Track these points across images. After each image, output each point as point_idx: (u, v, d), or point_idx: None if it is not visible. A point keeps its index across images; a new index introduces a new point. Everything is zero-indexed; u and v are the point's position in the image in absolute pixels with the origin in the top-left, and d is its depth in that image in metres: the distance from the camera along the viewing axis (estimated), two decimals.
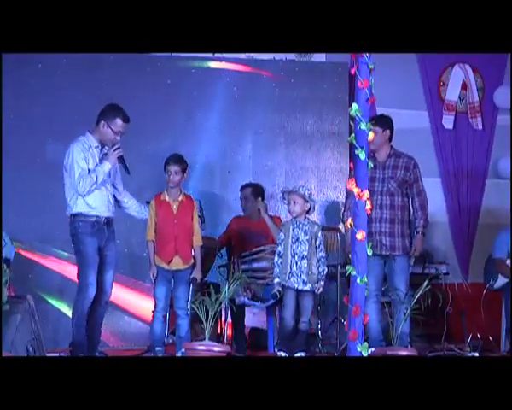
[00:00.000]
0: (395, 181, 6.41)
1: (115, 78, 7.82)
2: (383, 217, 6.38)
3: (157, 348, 6.30)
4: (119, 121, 6.07)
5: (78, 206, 6.04)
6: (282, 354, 6.17)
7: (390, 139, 6.53)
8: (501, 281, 7.36)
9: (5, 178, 6.83)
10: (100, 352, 6.27)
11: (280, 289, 6.28)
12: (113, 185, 6.28)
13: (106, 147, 6.16)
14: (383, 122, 6.47)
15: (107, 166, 6.06)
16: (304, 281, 6.23)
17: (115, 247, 6.23)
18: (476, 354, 6.42)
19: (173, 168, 6.36)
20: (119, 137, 6.10)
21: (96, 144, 6.13)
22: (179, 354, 6.11)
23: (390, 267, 6.39)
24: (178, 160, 6.42)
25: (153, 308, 6.43)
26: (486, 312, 7.31)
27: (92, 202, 6.04)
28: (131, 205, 6.47)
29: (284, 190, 6.50)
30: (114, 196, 6.31)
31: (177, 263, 6.38)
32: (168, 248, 6.35)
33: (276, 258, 6.34)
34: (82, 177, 5.98)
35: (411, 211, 6.55)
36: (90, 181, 5.98)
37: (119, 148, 6.09)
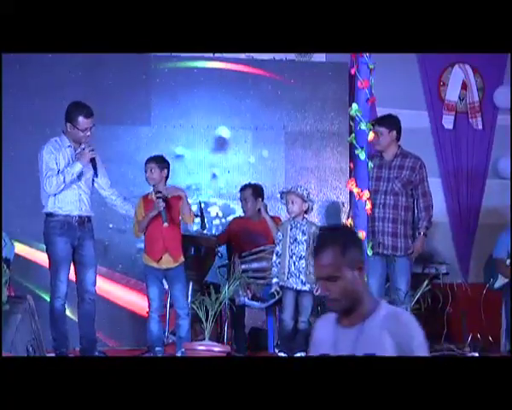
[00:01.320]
0: (400, 181, 6.41)
1: (115, 78, 7.81)
2: (386, 216, 6.38)
3: (157, 348, 6.29)
4: (81, 119, 6.11)
5: (49, 205, 6.12)
6: (283, 354, 6.17)
7: (398, 139, 6.53)
8: (501, 281, 7.36)
9: (5, 177, 6.83)
10: (100, 351, 6.28)
11: (278, 288, 6.28)
12: (95, 181, 6.32)
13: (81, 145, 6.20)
14: (390, 123, 6.46)
15: (77, 166, 6.12)
16: (302, 281, 6.23)
17: (93, 245, 6.26)
18: (476, 354, 6.43)
19: (149, 166, 6.40)
20: (89, 133, 6.14)
21: (69, 144, 6.19)
22: (179, 354, 6.11)
23: (392, 268, 6.39)
24: (156, 158, 6.46)
25: (147, 309, 6.43)
26: (486, 312, 7.31)
27: (61, 202, 6.12)
28: (118, 202, 6.50)
29: (282, 191, 6.50)
30: (99, 193, 6.39)
31: (167, 261, 6.36)
32: (157, 247, 6.34)
33: (274, 258, 6.34)
34: (49, 177, 6.06)
35: (416, 212, 6.56)
36: (56, 182, 6.04)
37: (92, 150, 6.14)
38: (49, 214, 6.15)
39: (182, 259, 6.42)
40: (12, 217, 7.00)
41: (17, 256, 6.94)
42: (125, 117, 7.83)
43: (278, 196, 6.70)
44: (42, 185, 6.17)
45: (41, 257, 7.14)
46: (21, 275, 7.16)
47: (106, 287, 7.51)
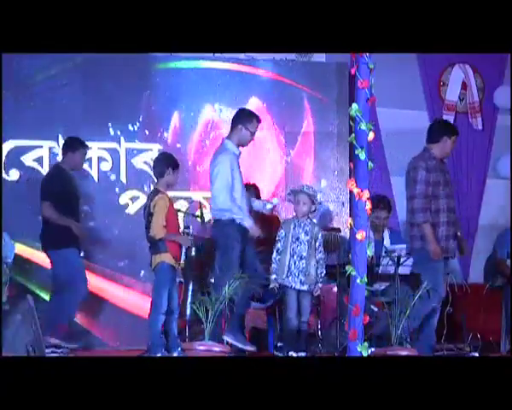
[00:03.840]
0: (451, 184, 6.53)
1: (115, 78, 7.81)
2: (450, 221, 6.44)
3: (157, 349, 6.29)
4: (255, 122, 6.40)
5: (229, 211, 6.23)
6: (294, 354, 6.11)
7: None
8: (501, 281, 7.36)
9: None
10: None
11: (277, 285, 6.26)
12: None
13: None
14: (454, 128, 6.55)
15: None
16: (301, 281, 6.22)
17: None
18: (476, 354, 6.43)
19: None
20: (254, 136, 6.41)
21: (239, 152, 6.41)
22: (175, 354, 6.10)
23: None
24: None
25: (153, 309, 6.41)
26: (486, 312, 7.30)
27: (238, 212, 6.27)
28: None
29: (293, 189, 6.44)
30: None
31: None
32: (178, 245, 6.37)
33: (274, 254, 6.31)
34: (223, 191, 6.21)
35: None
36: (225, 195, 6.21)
37: None
38: (233, 220, 6.23)
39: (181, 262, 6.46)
40: (12, 217, 7.00)
41: (17, 256, 6.94)
42: (125, 117, 7.82)
43: (286, 193, 6.71)
44: (218, 191, 6.25)
45: (41, 257, 7.14)
46: (21, 275, 7.16)
47: (105, 286, 7.52)
